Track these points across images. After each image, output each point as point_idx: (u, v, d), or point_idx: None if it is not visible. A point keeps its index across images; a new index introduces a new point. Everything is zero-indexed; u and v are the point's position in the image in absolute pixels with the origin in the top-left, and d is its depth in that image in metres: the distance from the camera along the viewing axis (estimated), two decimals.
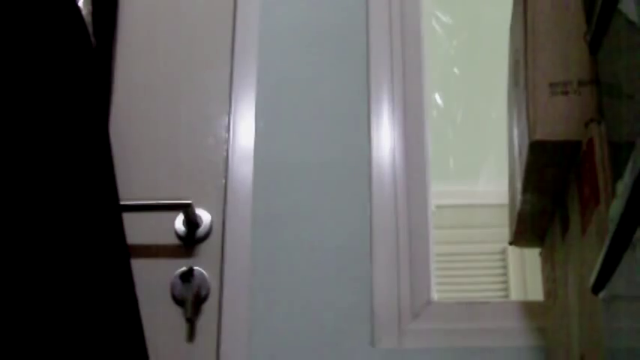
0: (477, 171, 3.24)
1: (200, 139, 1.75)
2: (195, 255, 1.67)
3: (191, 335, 1.62)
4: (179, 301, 1.63)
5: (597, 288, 0.97)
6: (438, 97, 3.23)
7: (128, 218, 1.44)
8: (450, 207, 3.17)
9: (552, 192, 1.31)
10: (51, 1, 1.36)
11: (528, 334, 1.58)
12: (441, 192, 2.30)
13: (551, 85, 1.20)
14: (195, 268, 1.64)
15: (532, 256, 1.62)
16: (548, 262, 1.43)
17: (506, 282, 3.26)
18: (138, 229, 1.61)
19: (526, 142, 1.23)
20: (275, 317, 1.62)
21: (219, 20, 1.84)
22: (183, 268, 1.64)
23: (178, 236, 1.68)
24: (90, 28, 1.60)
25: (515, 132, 1.37)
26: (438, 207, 2.04)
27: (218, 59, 1.81)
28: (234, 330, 1.61)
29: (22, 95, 1.29)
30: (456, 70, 3.24)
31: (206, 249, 1.67)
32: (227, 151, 1.74)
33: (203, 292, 1.63)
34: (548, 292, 1.45)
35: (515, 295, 3.17)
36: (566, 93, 1.20)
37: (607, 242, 0.89)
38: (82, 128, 1.36)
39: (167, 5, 1.88)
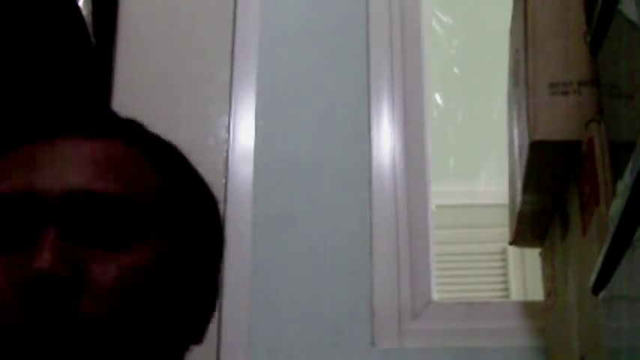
0: (477, 171, 3.24)
1: (200, 139, 1.75)
2: None
3: None
4: None
5: (597, 288, 0.97)
6: (438, 97, 3.23)
7: None
8: (450, 207, 3.16)
9: (552, 192, 1.31)
10: (51, 1, 1.36)
11: (528, 334, 1.58)
12: (441, 192, 2.30)
13: (551, 85, 1.20)
14: None
15: (532, 256, 1.62)
16: (548, 262, 1.43)
17: (506, 282, 3.26)
18: None
19: (526, 142, 1.23)
20: (275, 317, 1.62)
21: (219, 20, 1.84)
22: None
23: None
24: (90, 28, 1.60)
25: (515, 132, 1.37)
26: (438, 207, 2.04)
27: (218, 59, 1.81)
28: (234, 330, 1.60)
29: (21, 95, 1.29)
30: (456, 70, 3.24)
31: None
32: (227, 151, 1.74)
33: None
34: (548, 292, 1.45)
35: (515, 295, 3.16)
36: (566, 93, 1.19)
37: (607, 242, 0.89)
38: None
39: (167, 5, 1.87)
